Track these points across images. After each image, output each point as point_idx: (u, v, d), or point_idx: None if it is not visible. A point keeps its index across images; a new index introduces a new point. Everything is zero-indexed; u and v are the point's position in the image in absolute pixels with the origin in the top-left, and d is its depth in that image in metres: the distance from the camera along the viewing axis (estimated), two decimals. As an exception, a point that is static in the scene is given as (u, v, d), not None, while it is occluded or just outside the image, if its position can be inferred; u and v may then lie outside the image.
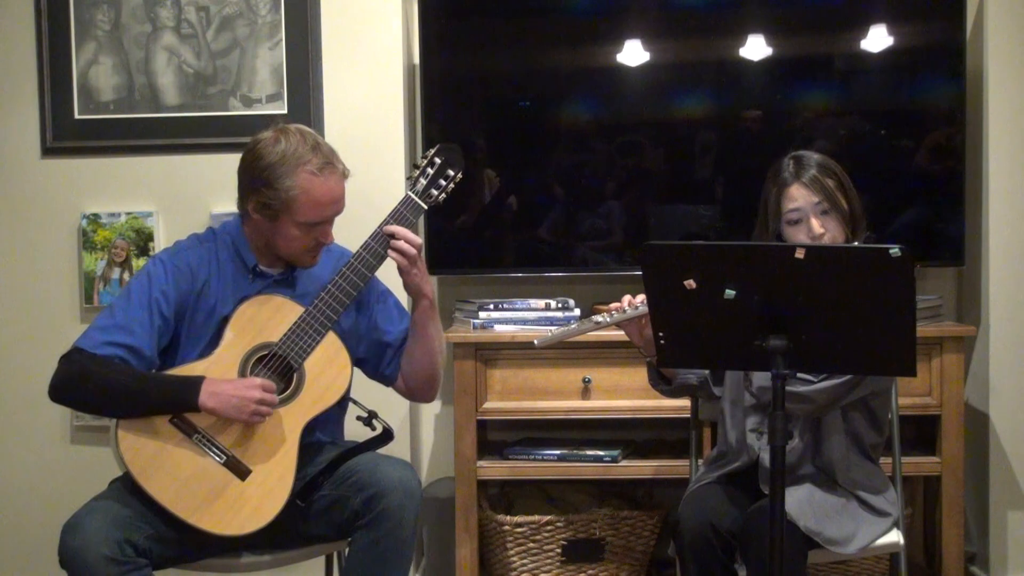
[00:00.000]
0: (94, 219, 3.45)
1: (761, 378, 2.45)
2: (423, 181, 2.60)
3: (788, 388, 2.38)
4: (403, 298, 2.77)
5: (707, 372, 2.67)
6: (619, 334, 2.60)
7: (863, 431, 2.58)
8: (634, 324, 2.52)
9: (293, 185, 2.45)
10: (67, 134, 3.46)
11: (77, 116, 3.46)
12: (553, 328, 2.60)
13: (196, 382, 2.40)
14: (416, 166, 2.63)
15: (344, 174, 2.53)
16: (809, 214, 2.50)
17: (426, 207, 2.60)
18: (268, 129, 2.54)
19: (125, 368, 2.43)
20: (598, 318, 2.53)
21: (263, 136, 2.52)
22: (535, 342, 2.61)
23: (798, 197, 2.51)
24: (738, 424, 2.61)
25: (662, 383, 2.67)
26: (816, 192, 2.50)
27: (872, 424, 2.59)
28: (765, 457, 2.49)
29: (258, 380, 2.42)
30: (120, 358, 2.43)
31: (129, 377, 2.42)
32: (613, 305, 2.53)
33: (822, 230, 2.48)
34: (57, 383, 2.43)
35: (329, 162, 2.49)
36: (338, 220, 2.61)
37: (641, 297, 2.50)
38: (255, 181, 2.48)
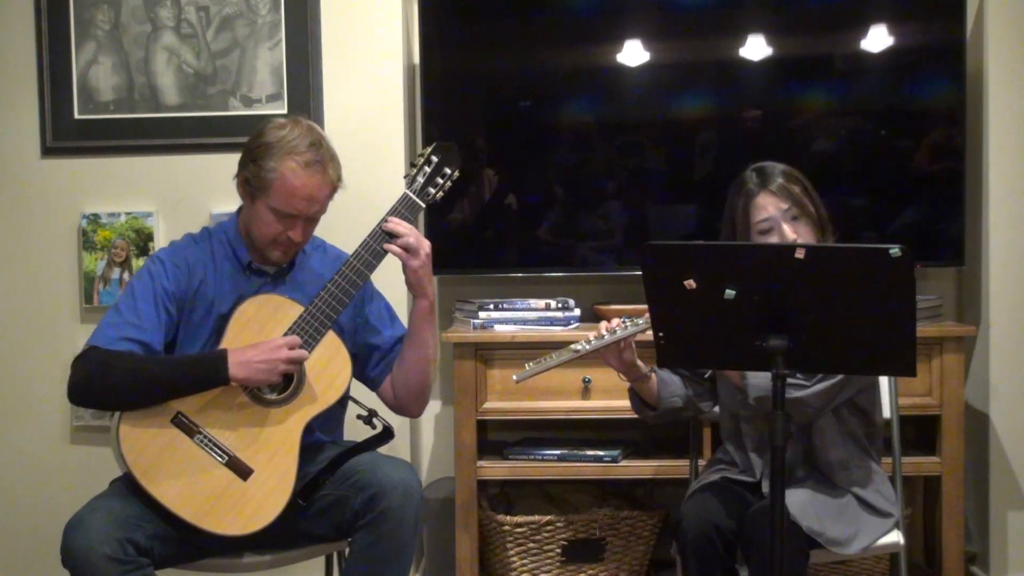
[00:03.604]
0: (94, 219, 3.45)
1: (757, 389, 2.45)
2: (420, 179, 2.60)
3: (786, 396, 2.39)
4: (401, 301, 2.77)
5: (691, 392, 2.65)
6: (606, 364, 2.59)
7: (855, 426, 2.58)
8: (612, 349, 2.52)
9: (274, 168, 2.48)
10: (67, 134, 3.46)
11: (77, 116, 3.46)
12: (531, 363, 2.57)
13: (221, 356, 2.40)
14: (413, 164, 2.63)
15: (334, 183, 2.52)
16: (780, 221, 2.50)
17: (424, 205, 2.60)
18: (285, 117, 2.59)
19: (146, 356, 2.44)
20: (576, 347, 2.52)
21: (275, 119, 2.57)
22: (514, 378, 2.59)
23: (767, 205, 2.51)
24: (742, 454, 2.62)
25: (646, 409, 2.66)
26: (784, 199, 2.50)
27: (862, 418, 2.59)
28: (766, 482, 2.50)
29: (280, 339, 2.42)
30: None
31: (153, 364, 2.43)
32: (591, 334, 2.52)
33: (795, 235, 2.49)
34: (79, 381, 2.41)
35: (319, 161, 2.49)
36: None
37: (616, 322, 2.50)
38: (248, 154, 2.52)
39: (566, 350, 2.53)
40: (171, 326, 2.52)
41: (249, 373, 2.39)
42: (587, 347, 2.50)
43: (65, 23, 3.44)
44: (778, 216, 2.50)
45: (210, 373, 2.39)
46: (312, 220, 2.55)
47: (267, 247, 2.55)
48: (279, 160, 2.48)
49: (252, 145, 2.52)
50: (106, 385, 2.39)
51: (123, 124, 3.46)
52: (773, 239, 2.50)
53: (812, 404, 2.46)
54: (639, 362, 2.56)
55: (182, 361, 2.46)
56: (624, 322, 2.49)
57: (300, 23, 3.42)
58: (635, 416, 3.23)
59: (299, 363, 2.44)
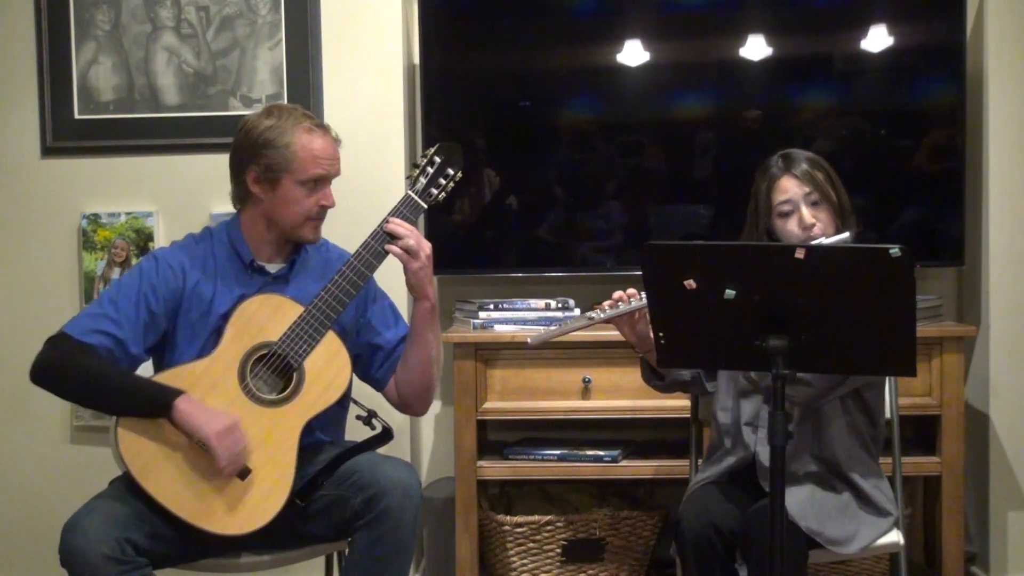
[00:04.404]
0: (94, 219, 3.45)
1: None
2: (423, 180, 2.61)
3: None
4: (403, 302, 2.76)
5: (700, 369, 2.67)
6: (619, 333, 2.60)
7: (862, 425, 2.58)
8: (625, 320, 2.54)
9: (292, 141, 2.51)
10: (67, 134, 3.46)
11: (77, 116, 3.46)
12: (546, 327, 2.60)
13: (171, 395, 2.37)
14: (416, 165, 2.64)
15: (336, 139, 2.60)
16: (800, 204, 2.53)
17: (426, 206, 2.61)
18: (254, 112, 2.62)
19: (107, 363, 2.43)
20: (591, 314, 2.53)
21: (252, 115, 2.60)
22: (528, 340, 2.61)
23: (789, 188, 2.54)
24: (732, 413, 2.61)
25: (655, 378, 2.68)
26: (807, 183, 2.53)
27: (867, 417, 2.59)
28: (762, 452, 2.49)
29: (229, 421, 2.38)
30: (106, 348, 2.44)
31: (111, 374, 2.42)
32: (606, 303, 2.54)
33: (813, 220, 2.51)
34: (40, 366, 2.44)
35: (321, 124, 2.59)
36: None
37: (632, 291, 2.51)
38: (253, 148, 2.53)
39: (581, 316, 2.56)
40: (152, 326, 2.51)
41: (190, 422, 2.34)
42: (602, 315, 2.52)
43: (65, 23, 3.44)
44: (799, 199, 2.53)
45: (153, 407, 2.37)
46: (329, 184, 2.59)
47: (301, 228, 2.56)
48: (291, 135, 2.51)
49: (250, 141, 2.53)
50: (63, 379, 2.42)
51: (123, 124, 3.46)
52: (793, 222, 2.53)
53: (815, 384, 2.46)
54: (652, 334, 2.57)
55: (137, 383, 2.43)
56: (640, 294, 2.50)
57: (300, 23, 3.42)
58: (635, 416, 3.26)
59: (229, 471, 2.38)
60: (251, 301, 2.52)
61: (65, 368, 2.41)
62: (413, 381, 2.66)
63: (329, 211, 2.59)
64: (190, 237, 2.65)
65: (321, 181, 2.55)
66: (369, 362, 2.69)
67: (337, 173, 2.59)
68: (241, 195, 2.59)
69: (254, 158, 2.52)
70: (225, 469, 2.36)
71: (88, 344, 2.43)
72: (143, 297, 2.50)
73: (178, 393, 2.38)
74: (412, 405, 2.71)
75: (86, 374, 2.40)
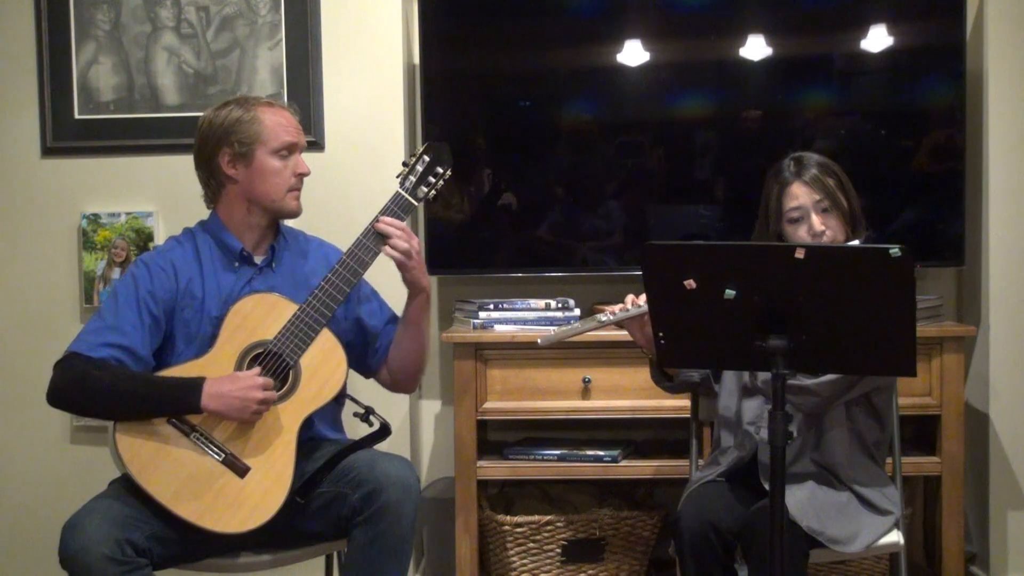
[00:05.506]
0: (94, 219, 3.45)
1: None
2: (412, 178, 2.64)
3: (793, 382, 2.40)
4: (400, 298, 2.77)
5: (709, 371, 2.68)
6: (619, 334, 2.61)
7: (866, 428, 2.58)
8: (636, 322, 2.54)
9: (257, 116, 2.57)
10: (67, 134, 3.46)
11: (77, 116, 3.46)
12: (556, 327, 2.61)
13: (197, 384, 2.41)
14: (405, 164, 2.66)
15: (294, 112, 2.65)
16: (810, 211, 2.53)
17: (416, 204, 2.64)
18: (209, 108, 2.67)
19: (124, 371, 2.44)
20: (601, 317, 2.54)
21: (207, 112, 2.63)
22: (538, 341, 2.62)
23: (800, 195, 2.54)
24: (735, 413, 2.61)
25: (664, 380, 2.69)
26: (817, 190, 2.53)
27: (875, 420, 2.60)
28: (763, 451, 2.49)
29: (259, 379, 2.43)
30: (116, 359, 2.44)
31: (129, 380, 2.43)
32: (617, 306, 2.54)
33: (823, 227, 2.51)
34: (56, 388, 2.43)
35: (278, 102, 2.67)
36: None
37: (644, 297, 2.51)
38: (222, 132, 2.56)
39: (591, 319, 2.56)
40: (156, 330, 2.52)
41: (220, 406, 2.40)
42: (612, 318, 2.53)
43: (65, 23, 3.44)
44: (809, 206, 2.53)
45: (182, 400, 2.40)
46: (300, 153, 2.63)
47: (283, 201, 2.59)
48: (255, 111, 2.57)
49: (216, 127, 2.56)
50: (82, 396, 2.42)
51: (123, 124, 3.46)
52: (803, 228, 2.53)
53: (820, 393, 2.46)
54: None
55: (158, 382, 2.46)
56: None
57: (300, 23, 3.42)
58: (635, 416, 3.26)
59: (269, 405, 2.44)
60: (246, 300, 2.53)
61: (82, 386, 2.41)
62: (407, 365, 2.72)
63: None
64: (172, 240, 2.68)
65: (292, 149, 2.59)
66: (363, 352, 2.72)
67: (304, 144, 2.64)
68: (216, 186, 2.61)
69: (225, 140, 2.56)
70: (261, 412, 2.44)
71: (99, 358, 2.43)
72: (142, 303, 2.51)
73: (201, 384, 2.40)
74: (404, 386, 2.78)
75: (104, 387, 2.40)
